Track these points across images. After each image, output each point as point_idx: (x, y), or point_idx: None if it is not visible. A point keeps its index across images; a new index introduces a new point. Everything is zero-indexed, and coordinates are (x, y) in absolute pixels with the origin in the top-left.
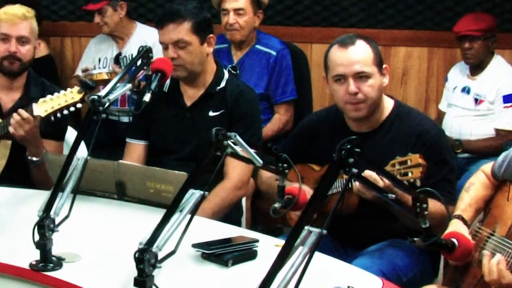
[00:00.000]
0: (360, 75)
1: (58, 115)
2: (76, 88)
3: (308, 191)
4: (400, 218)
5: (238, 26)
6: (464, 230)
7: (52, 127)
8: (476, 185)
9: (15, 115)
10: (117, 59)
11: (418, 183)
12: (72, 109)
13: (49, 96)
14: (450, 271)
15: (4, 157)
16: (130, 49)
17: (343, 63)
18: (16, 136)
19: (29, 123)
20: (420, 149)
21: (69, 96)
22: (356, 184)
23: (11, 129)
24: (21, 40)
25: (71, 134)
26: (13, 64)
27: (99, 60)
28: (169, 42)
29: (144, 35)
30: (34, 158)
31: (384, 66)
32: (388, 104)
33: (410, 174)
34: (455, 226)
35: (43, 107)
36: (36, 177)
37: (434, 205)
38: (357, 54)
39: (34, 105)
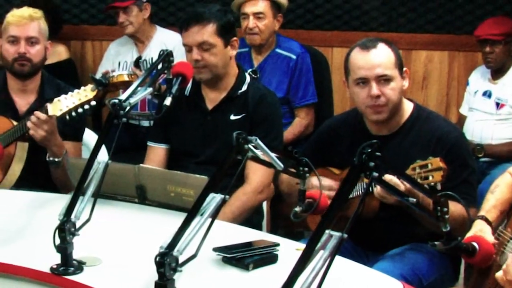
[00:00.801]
0: (382, 78)
1: (73, 114)
2: (90, 86)
3: (328, 185)
4: (422, 221)
5: (258, 30)
6: (487, 231)
7: (69, 127)
8: (501, 187)
9: (32, 117)
10: (137, 63)
11: (439, 186)
12: (86, 107)
13: (63, 96)
14: (472, 274)
15: (21, 160)
16: (150, 53)
17: (365, 66)
18: (36, 138)
19: (47, 124)
20: (441, 152)
21: (83, 94)
22: (378, 189)
23: (30, 132)
24: (30, 41)
25: (91, 137)
26: (24, 66)
27: (119, 63)
28: (194, 44)
29: (164, 39)
30: (56, 159)
31: (404, 69)
32: (408, 107)
33: (430, 178)
34: (479, 227)
35: (58, 106)
36: (57, 178)
37: (455, 207)
38: (379, 57)
39: (49, 105)
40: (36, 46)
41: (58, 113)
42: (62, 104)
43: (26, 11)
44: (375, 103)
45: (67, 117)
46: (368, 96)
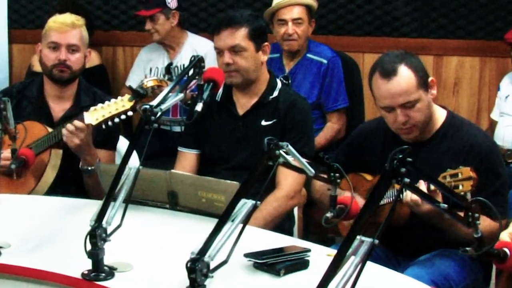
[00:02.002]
0: (406, 105)
1: (109, 123)
2: (127, 96)
3: (360, 202)
4: (451, 232)
5: (297, 36)
6: None
7: (104, 136)
8: None
9: (69, 125)
10: (168, 69)
11: (469, 196)
12: (123, 117)
13: (100, 105)
14: (503, 280)
15: (55, 167)
16: (181, 59)
17: (388, 96)
18: (70, 146)
19: (83, 132)
20: (472, 161)
21: (120, 104)
22: (409, 198)
23: (65, 139)
24: (71, 49)
25: (123, 143)
26: (63, 72)
27: (150, 69)
28: (225, 47)
29: (195, 45)
30: (89, 168)
31: (430, 79)
32: (440, 115)
33: (460, 187)
34: (510, 230)
35: (94, 115)
36: (89, 186)
37: (484, 222)
38: (400, 86)
39: (85, 114)
40: (76, 54)
41: (95, 122)
42: (99, 113)
43: (68, 17)
44: (403, 126)
45: (103, 126)
46: (395, 121)
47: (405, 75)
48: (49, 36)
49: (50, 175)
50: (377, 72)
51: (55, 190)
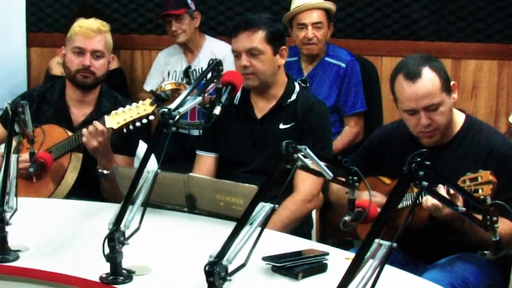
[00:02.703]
0: (430, 108)
1: (131, 127)
2: (149, 100)
3: (380, 202)
4: (470, 236)
5: (316, 40)
6: None
7: (124, 141)
8: None
9: (90, 126)
10: (186, 73)
11: (489, 200)
12: (144, 121)
13: (121, 109)
14: None
15: (75, 170)
16: (200, 63)
17: (412, 98)
18: (88, 147)
19: (103, 135)
20: (491, 165)
21: (142, 108)
22: (430, 203)
23: (84, 139)
24: (95, 54)
25: (141, 147)
26: (86, 78)
27: (168, 73)
28: (243, 50)
29: (214, 48)
30: (105, 171)
31: (452, 83)
32: (459, 119)
33: (480, 191)
34: None
35: (115, 119)
36: (105, 190)
37: (503, 226)
38: (425, 88)
39: (107, 118)
40: (101, 60)
41: (116, 126)
42: (120, 117)
43: (94, 23)
44: (425, 129)
45: (124, 130)
46: (418, 124)
47: (430, 78)
48: (74, 41)
49: (70, 178)
50: (401, 75)
51: (74, 193)
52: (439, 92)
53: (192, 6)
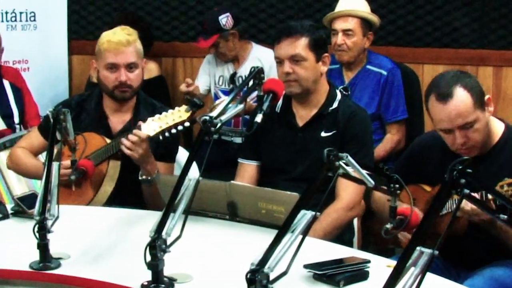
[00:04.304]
0: (465, 126)
1: (167, 134)
2: (184, 107)
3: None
4: (509, 242)
5: (346, 47)
6: None
7: (163, 148)
8: None
9: (131, 136)
10: (232, 79)
11: None
12: (180, 128)
13: (157, 116)
14: None
15: (113, 179)
16: (246, 69)
17: (445, 120)
18: (134, 157)
19: (145, 142)
20: None
21: (177, 114)
22: (469, 207)
23: (128, 152)
24: (129, 67)
25: (182, 154)
26: (125, 92)
27: (215, 76)
28: (285, 56)
29: (260, 55)
30: (149, 177)
31: (486, 97)
32: (498, 129)
33: None
34: None
35: (152, 126)
36: (148, 197)
37: None
38: (458, 109)
39: (143, 125)
40: (136, 71)
41: (152, 133)
42: (156, 124)
43: (121, 36)
44: (462, 147)
45: (160, 137)
46: (454, 143)
47: (461, 97)
48: (106, 58)
49: (108, 186)
50: (433, 95)
51: (113, 201)
52: (472, 110)
53: (228, 24)
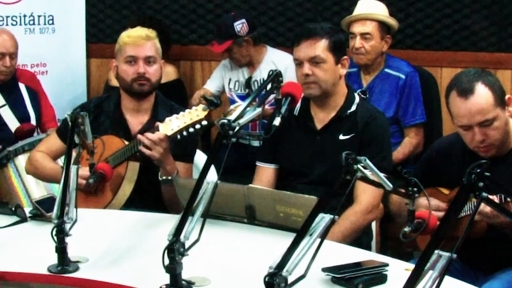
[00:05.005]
0: (484, 123)
1: (184, 133)
2: (201, 106)
3: (436, 210)
4: None
5: (364, 50)
6: None
7: (181, 149)
8: None
9: (150, 135)
10: (248, 84)
11: None
12: (197, 126)
13: (174, 115)
14: None
15: (132, 181)
16: (261, 73)
17: (465, 115)
18: (154, 157)
19: (164, 142)
20: None
21: (194, 114)
22: (488, 209)
23: (146, 151)
24: (148, 60)
25: (200, 157)
26: (143, 86)
27: (230, 80)
28: (305, 58)
29: (274, 59)
30: (169, 177)
31: (507, 97)
32: None
33: None
34: None
35: (169, 126)
36: (168, 197)
37: None
38: (478, 105)
39: (160, 125)
40: (154, 66)
41: (170, 133)
42: (173, 123)
43: (142, 31)
44: (481, 145)
45: (178, 136)
46: (473, 140)
47: (482, 94)
48: (125, 51)
49: (127, 188)
50: (454, 91)
51: (132, 203)
52: (492, 107)
53: (243, 30)
